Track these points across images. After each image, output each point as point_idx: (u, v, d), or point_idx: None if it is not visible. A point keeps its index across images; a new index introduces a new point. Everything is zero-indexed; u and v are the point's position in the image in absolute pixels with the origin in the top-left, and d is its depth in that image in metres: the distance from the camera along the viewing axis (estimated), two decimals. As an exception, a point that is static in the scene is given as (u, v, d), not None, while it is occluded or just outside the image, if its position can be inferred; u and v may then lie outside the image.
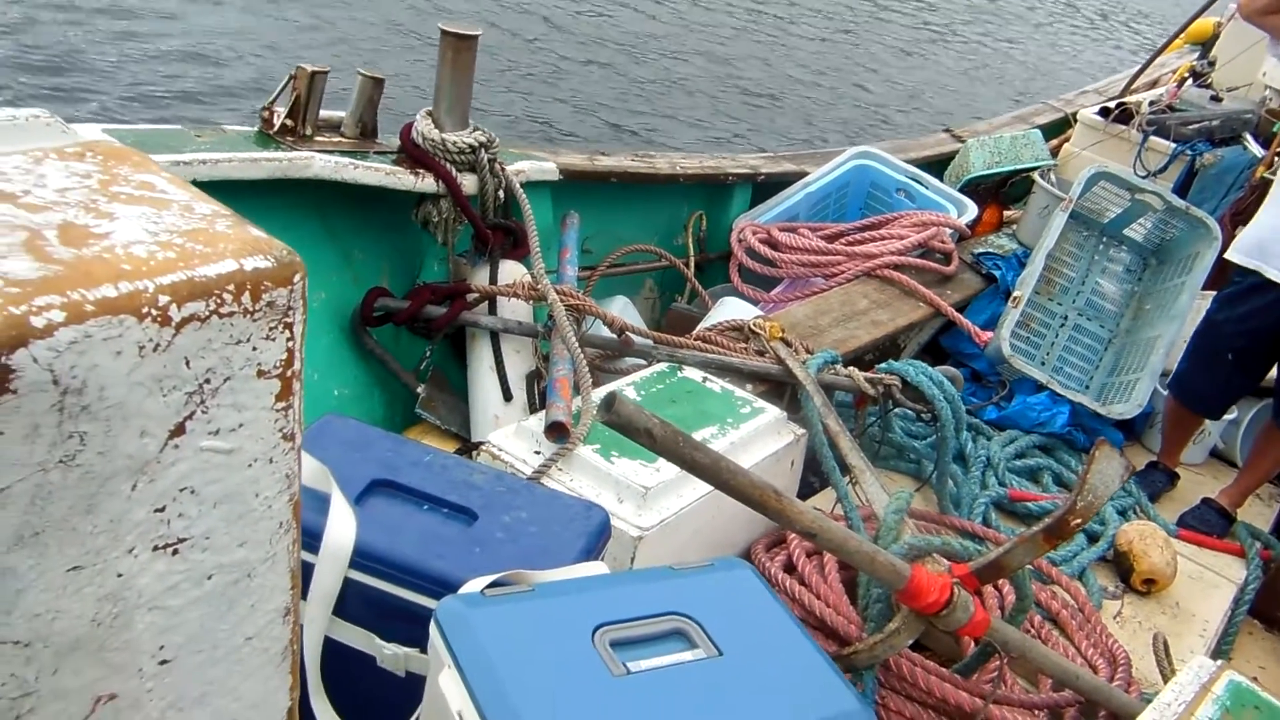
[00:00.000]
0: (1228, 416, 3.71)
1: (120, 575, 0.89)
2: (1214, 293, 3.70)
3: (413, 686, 1.57)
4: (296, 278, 0.91)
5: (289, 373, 0.94)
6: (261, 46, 7.85)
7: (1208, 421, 3.68)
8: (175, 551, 0.92)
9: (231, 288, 0.87)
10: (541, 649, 1.33)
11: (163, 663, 0.96)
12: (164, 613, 0.93)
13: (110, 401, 0.82)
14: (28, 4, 7.22)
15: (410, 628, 1.59)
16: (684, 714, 1.30)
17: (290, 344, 0.93)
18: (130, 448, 0.85)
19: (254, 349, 0.91)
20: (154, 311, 0.82)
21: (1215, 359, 3.28)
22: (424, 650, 1.51)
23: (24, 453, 0.79)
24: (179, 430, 0.88)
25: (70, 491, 0.83)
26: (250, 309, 0.89)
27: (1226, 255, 3.22)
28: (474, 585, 1.48)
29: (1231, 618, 2.97)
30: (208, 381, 0.88)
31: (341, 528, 1.57)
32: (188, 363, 0.86)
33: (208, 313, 0.86)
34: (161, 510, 0.90)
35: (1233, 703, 1.61)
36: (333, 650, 1.64)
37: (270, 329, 0.91)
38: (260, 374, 0.92)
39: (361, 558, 1.60)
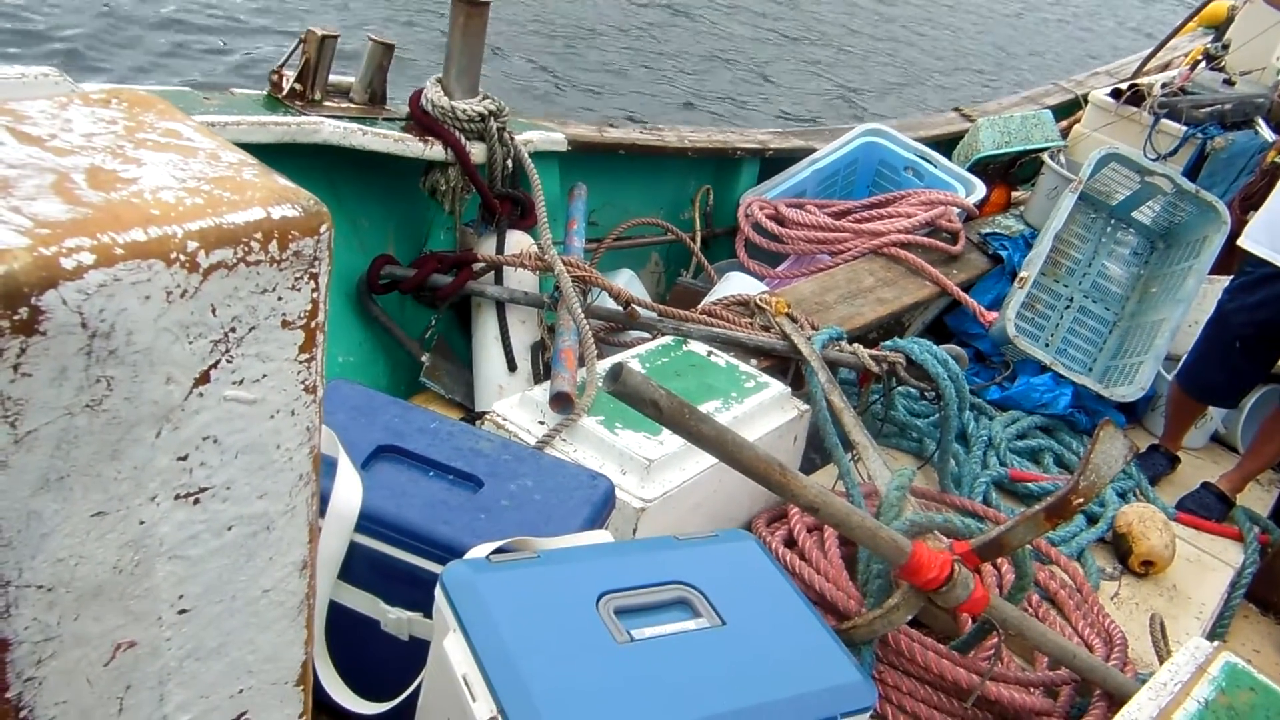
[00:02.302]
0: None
1: (142, 523, 0.89)
2: (1221, 278, 3.69)
3: (416, 651, 1.59)
4: (323, 228, 0.91)
5: (313, 324, 0.94)
6: (270, 9, 7.79)
7: (1210, 406, 3.68)
8: (196, 501, 0.92)
9: (259, 235, 0.86)
10: (546, 615, 1.34)
11: (181, 612, 0.96)
12: (184, 562, 0.94)
13: (137, 347, 0.82)
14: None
15: (414, 592, 1.60)
16: (686, 682, 1.31)
17: (315, 295, 0.92)
18: (156, 394, 0.85)
19: (279, 299, 0.90)
20: (182, 257, 0.82)
21: (1226, 350, 3.27)
22: (428, 615, 1.52)
23: (51, 396, 0.79)
24: (204, 378, 0.88)
25: (96, 436, 0.83)
26: (277, 258, 0.88)
27: (1239, 243, 3.20)
28: (479, 551, 1.49)
29: (1228, 601, 2.98)
30: (233, 330, 0.88)
31: (348, 492, 1.58)
32: (214, 310, 0.86)
33: (235, 260, 0.85)
34: (184, 459, 0.90)
35: (1228, 683, 1.62)
36: (337, 614, 1.65)
37: (296, 279, 0.90)
38: (285, 324, 0.92)
39: (367, 522, 1.61)
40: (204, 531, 0.94)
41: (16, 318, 0.73)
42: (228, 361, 0.89)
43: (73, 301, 0.76)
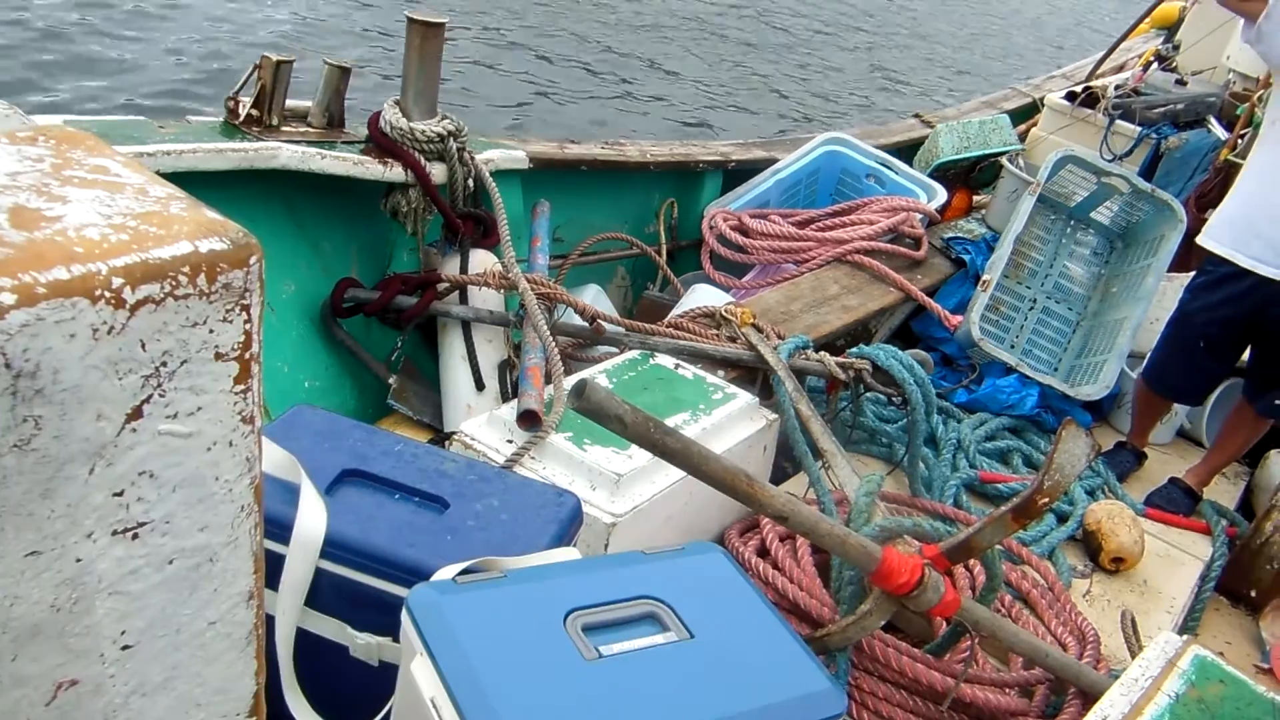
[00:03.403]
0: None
1: (79, 560, 0.89)
2: (1179, 275, 3.74)
3: (386, 676, 1.57)
4: (253, 259, 0.90)
5: (247, 355, 0.94)
6: (225, 35, 7.76)
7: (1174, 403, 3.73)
8: (135, 536, 0.91)
9: (186, 269, 0.86)
10: (513, 635, 1.33)
11: (125, 648, 0.95)
12: (125, 597, 0.93)
13: (65, 385, 0.81)
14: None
15: (382, 617, 1.59)
16: (655, 696, 1.31)
17: (248, 326, 0.92)
18: (86, 431, 0.85)
19: (211, 331, 0.90)
20: (107, 294, 0.81)
21: (1189, 348, 3.30)
22: (397, 639, 1.51)
23: None
24: (136, 414, 0.88)
25: (26, 476, 0.82)
26: (206, 291, 0.88)
27: (1199, 241, 3.23)
28: (446, 573, 1.48)
29: (1198, 594, 3.01)
30: (164, 364, 0.88)
31: (312, 518, 1.57)
32: (143, 345, 0.86)
33: (163, 295, 0.85)
34: (120, 494, 0.90)
35: (1198, 677, 1.63)
36: (305, 641, 1.63)
37: (227, 311, 0.90)
38: (218, 356, 0.91)
39: (333, 547, 1.59)
40: (144, 566, 0.93)
41: None
42: (160, 396, 0.88)
43: None
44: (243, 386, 0.94)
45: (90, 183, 0.90)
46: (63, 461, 0.84)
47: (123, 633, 0.93)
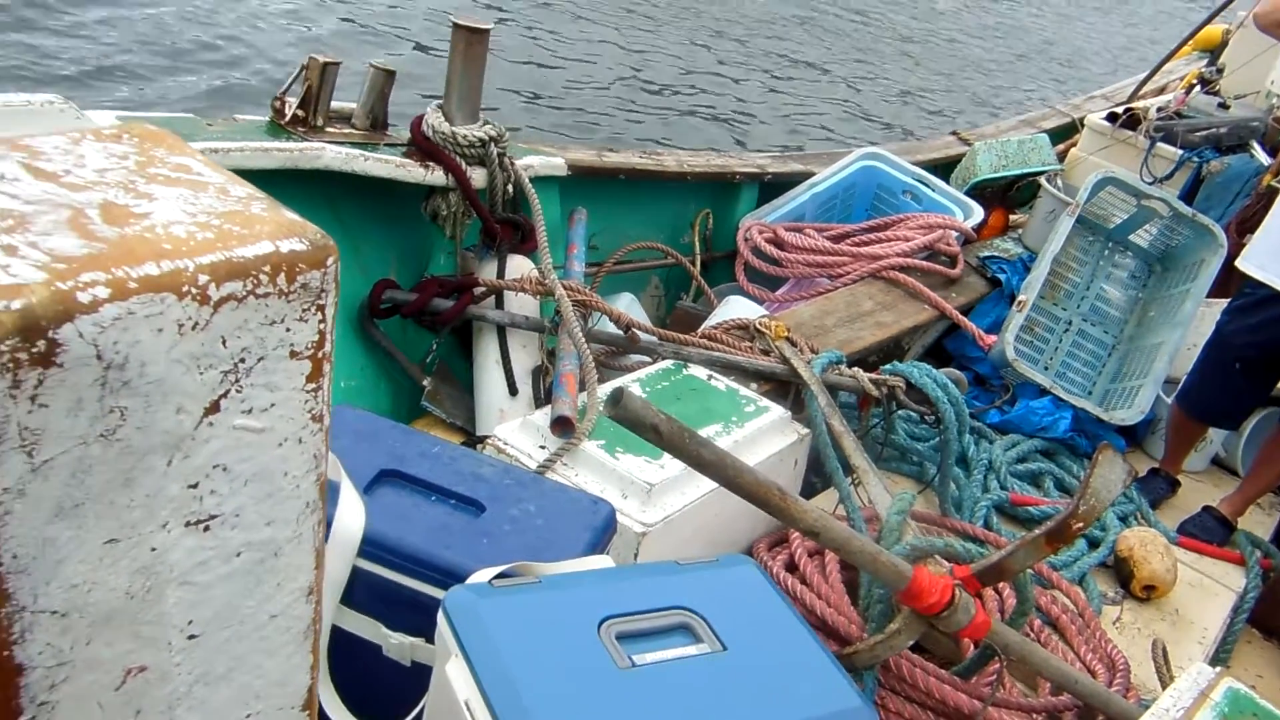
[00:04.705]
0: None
1: (154, 549, 0.91)
2: (1219, 300, 3.70)
3: (418, 676, 1.58)
4: (329, 261, 0.93)
5: (320, 354, 0.96)
6: (275, 36, 7.86)
7: (1211, 429, 3.68)
8: (206, 528, 0.94)
9: (267, 268, 0.88)
10: (548, 640, 1.34)
11: (191, 637, 0.98)
12: (194, 588, 0.95)
13: (150, 377, 0.84)
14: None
15: (416, 617, 1.60)
16: (688, 707, 1.31)
17: (322, 326, 0.95)
18: (167, 424, 0.87)
19: (288, 330, 0.92)
20: (194, 290, 0.84)
21: (1225, 371, 3.26)
22: (430, 640, 1.52)
23: (67, 426, 0.81)
24: (214, 408, 0.90)
25: (109, 465, 0.85)
26: (285, 290, 0.90)
27: (1237, 264, 3.20)
28: (482, 576, 1.49)
29: (1231, 626, 2.97)
30: (243, 360, 0.90)
31: (351, 517, 1.59)
32: (224, 341, 0.88)
33: (244, 293, 0.87)
34: (195, 486, 0.92)
35: (1230, 709, 1.62)
36: (339, 638, 1.65)
37: (304, 310, 0.92)
38: (293, 355, 0.94)
39: (370, 546, 1.61)
40: (213, 558, 0.96)
41: (35, 350, 0.75)
42: (237, 391, 0.90)
43: (89, 334, 0.78)
44: (314, 385, 0.96)
45: (174, 181, 0.93)
46: (144, 452, 0.87)
47: (190, 622, 0.96)
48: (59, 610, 0.86)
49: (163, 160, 0.95)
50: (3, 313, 0.73)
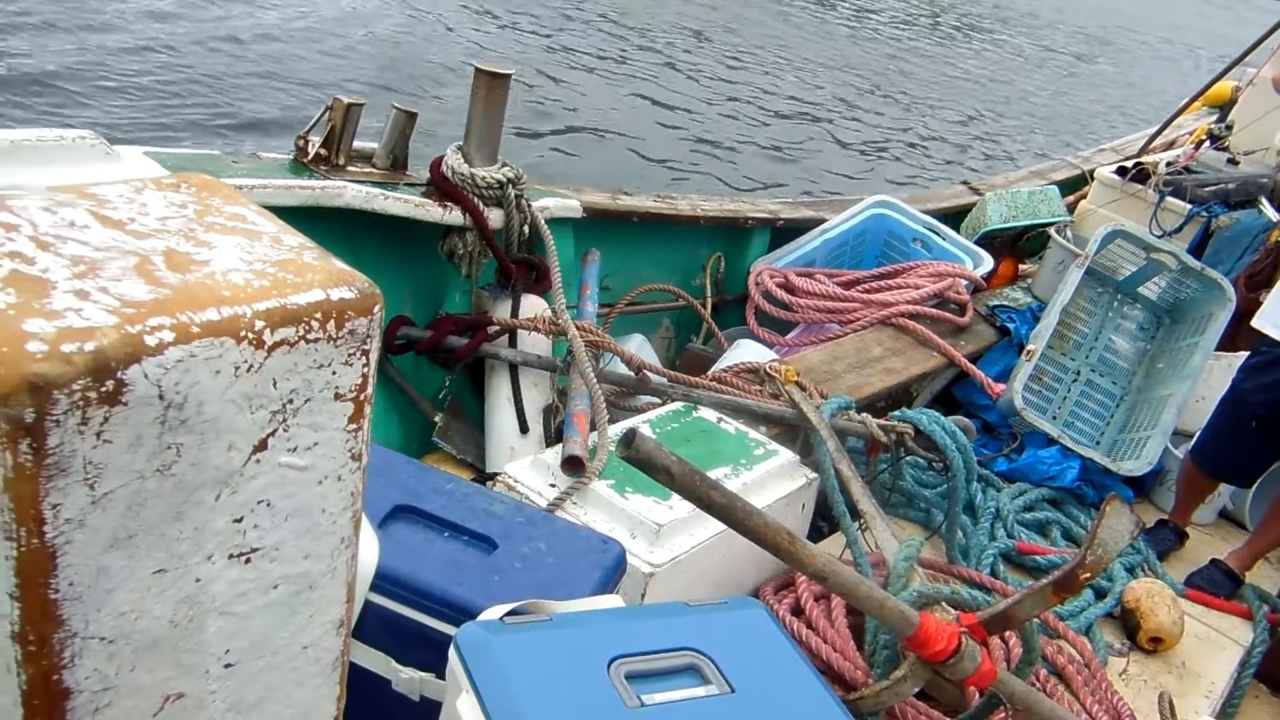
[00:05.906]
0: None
1: (198, 580, 0.95)
2: (1226, 354, 3.72)
3: (426, 711, 1.59)
4: (376, 309, 0.97)
5: (362, 396, 1.00)
6: (298, 77, 7.99)
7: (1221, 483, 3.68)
8: (248, 560, 0.97)
9: (319, 315, 0.93)
10: (558, 678, 1.35)
11: (227, 665, 1.01)
12: (232, 618, 0.98)
13: (206, 416, 0.88)
14: (71, 28, 7.37)
15: (427, 653, 1.61)
16: (696, 749, 1.32)
17: (366, 370, 0.99)
18: (219, 460, 0.91)
19: (334, 373, 0.97)
20: (250, 335, 0.89)
21: (1241, 429, 3.27)
22: (439, 675, 1.54)
23: (127, 460, 0.85)
24: (262, 446, 0.94)
25: (163, 499, 0.89)
26: (334, 336, 0.95)
27: (1254, 324, 3.20)
28: (493, 613, 1.51)
29: (1238, 680, 2.96)
30: (290, 401, 0.94)
31: (365, 551, 1.60)
32: (275, 383, 0.92)
33: (297, 338, 0.92)
34: (239, 521, 0.96)
35: (1237, 764, 1.62)
36: (350, 672, 1.65)
37: (350, 355, 0.97)
38: (337, 396, 0.98)
39: (382, 581, 1.63)
40: (252, 589, 0.99)
41: (103, 389, 0.80)
42: (284, 430, 0.94)
43: (153, 375, 0.82)
44: (355, 425, 1.00)
45: (231, 229, 0.97)
46: (195, 487, 0.91)
47: (227, 651, 0.98)
48: (107, 637, 0.89)
49: (219, 209, 1.00)
50: (76, 354, 0.77)
